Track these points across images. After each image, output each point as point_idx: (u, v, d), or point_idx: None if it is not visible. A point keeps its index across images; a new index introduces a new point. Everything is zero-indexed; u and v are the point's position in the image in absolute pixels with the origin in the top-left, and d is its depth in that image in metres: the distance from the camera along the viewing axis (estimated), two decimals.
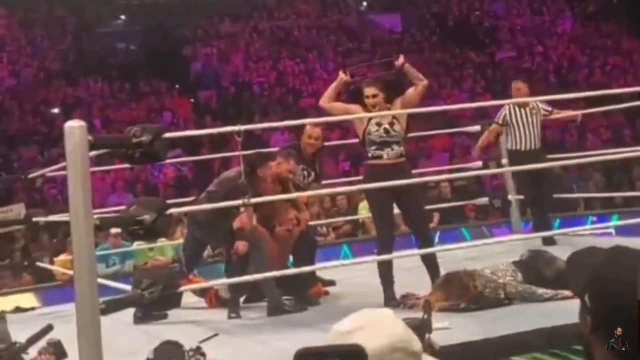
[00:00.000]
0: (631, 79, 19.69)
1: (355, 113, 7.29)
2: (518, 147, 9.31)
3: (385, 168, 7.11)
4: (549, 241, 8.71)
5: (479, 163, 10.58)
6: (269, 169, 7.42)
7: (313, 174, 8.12)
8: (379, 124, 7.14)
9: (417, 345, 1.67)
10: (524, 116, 9.31)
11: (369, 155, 7.22)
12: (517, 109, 9.34)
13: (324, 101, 7.40)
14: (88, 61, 22.52)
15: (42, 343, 4.86)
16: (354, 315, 1.71)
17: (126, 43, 24.56)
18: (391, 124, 7.12)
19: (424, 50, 24.35)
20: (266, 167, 7.39)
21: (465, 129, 11.44)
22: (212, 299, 7.90)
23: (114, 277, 8.97)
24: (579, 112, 10.25)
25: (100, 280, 5.46)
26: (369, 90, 7.20)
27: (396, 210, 7.40)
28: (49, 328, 4.76)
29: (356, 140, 14.38)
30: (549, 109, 9.51)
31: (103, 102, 20.55)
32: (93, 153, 5.49)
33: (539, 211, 9.51)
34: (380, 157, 7.14)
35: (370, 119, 7.16)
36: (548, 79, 22.21)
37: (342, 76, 7.39)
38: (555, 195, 11.32)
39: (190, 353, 4.76)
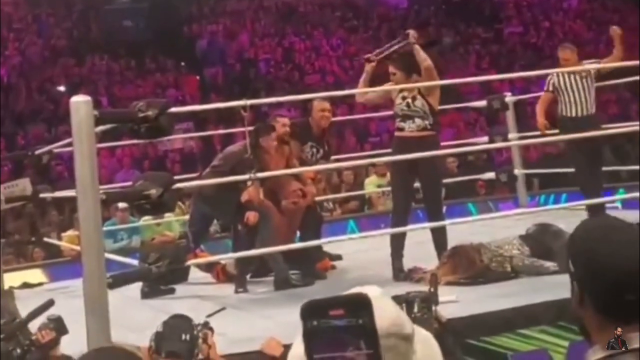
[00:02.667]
0: (637, 54, 19.60)
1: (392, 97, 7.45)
2: (568, 114, 8.80)
3: (407, 140, 7.24)
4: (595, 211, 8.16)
5: (485, 138, 10.57)
6: (272, 140, 7.39)
7: (322, 151, 8.10)
8: (403, 98, 7.29)
9: (409, 327, 1.67)
10: (574, 81, 8.82)
11: (395, 126, 7.41)
12: (566, 74, 8.85)
13: (358, 98, 7.71)
14: (94, 39, 22.48)
15: (42, 319, 4.87)
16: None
17: (132, 20, 24.50)
18: (413, 98, 7.23)
19: (429, 26, 24.27)
20: (269, 138, 7.36)
21: (472, 104, 11.42)
22: (220, 273, 7.91)
23: (121, 252, 8.98)
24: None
25: (107, 255, 5.49)
26: (389, 69, 7.40)
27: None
28: (49, 303, 4.76)
29: (362, 116, 14.48)
30: (597, 65, 8.98)
31: (109, 80, 20.54)
32: (99, 128, 5.50)
33: (593, 182, 8.72)
34: (402, 129, 7.30)
35: (399, 92, 7.30)
36: (554, 54, 22.10)
37: (367, 66, 7.55)
38: (562, 170, 11.32)
39: (199, 327, 4.77)
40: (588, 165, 8.70)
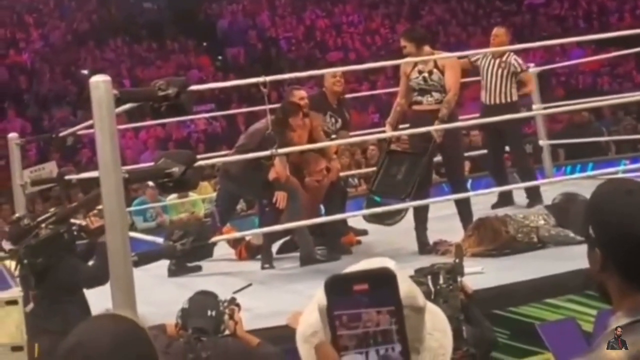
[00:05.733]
0: None
1: (405, 71, 7.40)
2: (483, 100, 8.80)
3: (424, 114, 7.21)
4: (507, 200, 8.62)
5: None
6: (301, 119, 7.36)
7: (340, 120, 8.07)
8: (420, 72, 7.26)
9: (421, 300, 1.66)
10: (491, 67, 8.69)
11: (413, 100, 7.35)
12: (488, 57, 8.74)
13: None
14: (116, 21, 22.54)
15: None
16: (353, 267, 1.68)
17: (153, 2, 24.53)
18: (430, 73, 7.19)
19: (450, 0, 24.15)
20: (298, 117, 7.33)
21: None
22: (242, 251, 7.93)
23: (151, 232, 9.02)
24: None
25: (131, 234, 5.50)
26: (401, 42, 7.40)
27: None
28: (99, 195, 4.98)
29: (384, 90, 14.46)
30: (521, 68, 8.73)
31: (131, 62, 20.60)
32: (120, 108, 5.51)
33: (498, 170, 8.94)
34: (420, 102, 7.28)
35: (414, 66, 7.26)
36: (578, 24, 21.97)
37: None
38: (586, 140, 11.28)
39: (225, 304, 4.79)
40: (495, 153, 8.87)
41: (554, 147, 11.12)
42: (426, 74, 7.20)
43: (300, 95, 7.72)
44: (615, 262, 1.98)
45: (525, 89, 9.03)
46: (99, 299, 5.21)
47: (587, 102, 9.60)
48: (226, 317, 4.69)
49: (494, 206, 8.38)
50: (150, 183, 10.73)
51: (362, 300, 1.50)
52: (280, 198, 7.26)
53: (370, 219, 7.49)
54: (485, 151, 9.33)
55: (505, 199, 8.58)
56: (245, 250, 7.91)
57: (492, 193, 8.47)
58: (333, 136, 7.89)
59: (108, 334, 1.83)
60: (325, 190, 7.75)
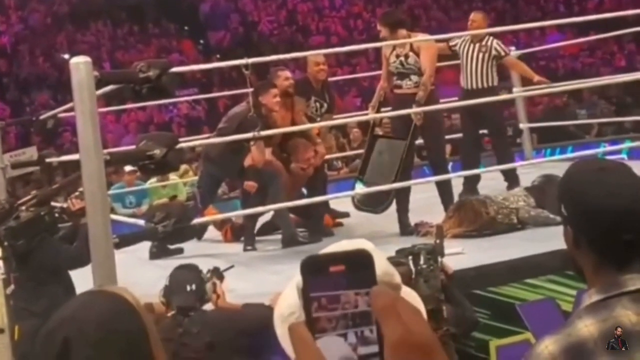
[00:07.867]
0: None
1: (385, 54, 7.52)
2: (462, 85, 8.58)
3: (405, 97, 7.27)
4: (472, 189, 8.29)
5: None
6: (273, 96, 7.33)
7: (325, 105, 8.08)
8: (397, 56, 7.32)
9: (398, 278, 1.68)
10: (471, 51, 8.45)
11: (393, 84, 7.43)
12: (467, 42, 8.49)
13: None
14: (96, 4, 22.40)
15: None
16: (333, 246, 1.70)
17: None
18: (406, 56, 7.24)
19: None
20: (269, 94, 7.31)
21: None
22: (228, 233, 7.96)
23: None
24: (542, 80, 9.12)
25: (113, 216, 5.51)
26: (378, 26, 7.52)
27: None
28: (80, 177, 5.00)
29: (365, 74, 14.47)
30: (503, 52, 8.50)
31: (112, 45, 20.50)
32: (101, 90, 5.49)
33: (470, 152, 8.63)
34: (400, 86, 7.36)
35: (392, 50, 7.32)
36: (558, 9, 22.02)
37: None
38: (563, 123, 11.32)
39: (208, 275, 4.84)
40: (473, 138, 8.63)
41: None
42: (402, 58, 7.27)
43: (285, 75, 7.76)
44: (586, 239, 2.01)
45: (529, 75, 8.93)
46: (82, 282, 5.21)
47: (567, 84, 9.64)
48: (208, 286, 4.74)
49: (461, 195, 8.16)
50: (127, 168, 10.72)
51: (339, 282, 1.50)
52: (249, 186, 7.32)
53: (361, 207, 7.50)
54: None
55: (471, 187, 8.15)
56: (231, 232, 7.94)
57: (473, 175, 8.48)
58: (318, 119, 7.91)
59: (93, 311, 1.69)
60: (307, 178, 7.79)
